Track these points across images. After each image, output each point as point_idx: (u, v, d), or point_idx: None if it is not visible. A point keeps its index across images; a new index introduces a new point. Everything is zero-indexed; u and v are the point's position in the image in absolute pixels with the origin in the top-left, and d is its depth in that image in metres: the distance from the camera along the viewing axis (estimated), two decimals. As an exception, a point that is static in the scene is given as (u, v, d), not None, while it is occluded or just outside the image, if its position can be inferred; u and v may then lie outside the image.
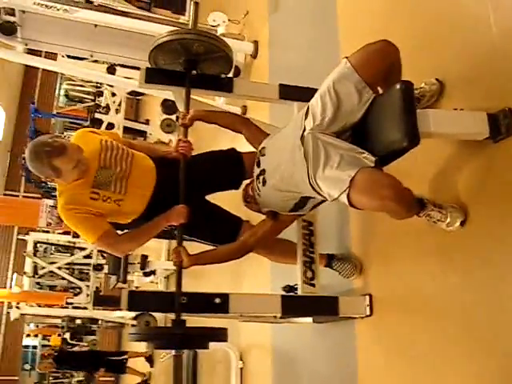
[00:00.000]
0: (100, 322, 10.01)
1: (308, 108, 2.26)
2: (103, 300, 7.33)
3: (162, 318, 7.52)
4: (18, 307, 8.57)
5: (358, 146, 2.08)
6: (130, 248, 2.65)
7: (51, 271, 9.20)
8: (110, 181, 2.44)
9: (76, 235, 7.96)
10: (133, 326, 7.81)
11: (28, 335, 13.99)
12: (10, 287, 8.93)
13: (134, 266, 7.68)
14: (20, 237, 9.94)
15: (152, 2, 9.01)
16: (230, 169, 2.74)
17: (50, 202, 6.19)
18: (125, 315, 7.97)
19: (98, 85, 10.23)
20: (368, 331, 2.76)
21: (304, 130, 2.21)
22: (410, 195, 2.03)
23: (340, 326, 2.98)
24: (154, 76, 2.76)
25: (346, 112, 2.14)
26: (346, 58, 2.14)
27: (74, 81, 11.97)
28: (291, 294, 2.86)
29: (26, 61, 4.95)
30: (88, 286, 8.55)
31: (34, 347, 15.08)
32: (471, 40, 2.26)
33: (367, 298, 2.72)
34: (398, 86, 1.98)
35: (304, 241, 2.73)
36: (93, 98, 10.66)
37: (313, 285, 2.69)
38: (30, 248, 8.89)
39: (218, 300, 2.42)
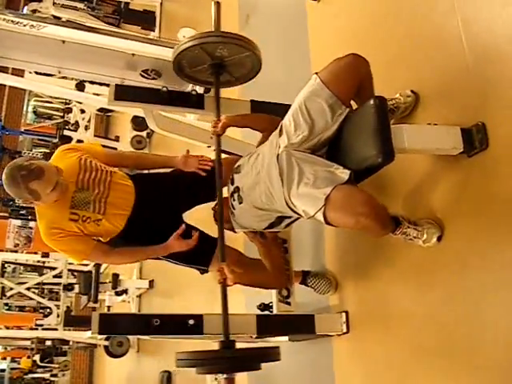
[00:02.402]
0: (71, 342, 9.79)
1: (282, 126, 2.24)
2: (74, 320, 7.17)
3: (135, 339, 7.37)
4: (-16, 330, 8.33)
5: (333, 162, 2.06)
6: (120, 263, 2.73)
7: (20, 292, 8.96)
8: (89, 201, 2.41)
9: (45, 255, 7.79)
10: (105, 346, 7.64)
11: (-4, 358, 13.61)
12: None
13: (106, 286, 7.53)
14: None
15: (121, 18, 8.99)
16: (204, 179, 2.62)
17: (18, 222, 5.99)
18: (97, 335, 7.79)
19: (67, 101, 10.08)
20: (345, 348, 2.72)
21: (279, 147, 2.19)
22: (385, 212, 2.01)
23: (317, 344, 2.94)
24: (124, 93, 2.71)
25: (319, 129, 2.12)
26: (316, 73, 2.13)
27: (41, 97, 11.78)
28: (266, 312, 2.81)
29: (-6, 78, 4.82)
30: (58, 307, 8.34)
31: (2, 370, 14.67)
32: (445, 56, 2.27)
33: (343, 315, 2.69)
34: (371, 102, 1.97)
35: (279, 258, 2.69)
36: (62, 114, 10.50)
37: (288, 303, 2.65)
38: (-3, 269, 8.67)
39: (191, 321, 2.35)
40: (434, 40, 2.33)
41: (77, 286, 8.01)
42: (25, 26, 4.08)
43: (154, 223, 2.54)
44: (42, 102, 12.15)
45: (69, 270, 8.72)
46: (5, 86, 12.19)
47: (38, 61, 4.58)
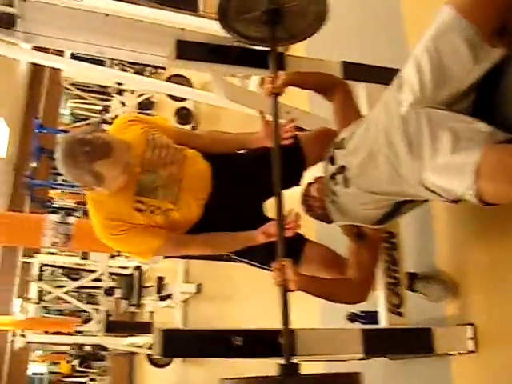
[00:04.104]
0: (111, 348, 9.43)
1: (401, 79, 1.69)
2: (116, 326, 6.76)
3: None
4: (22, 335, 7.94)
5: (483, 120, 1.50)
6: (201, 253, 2.16)
7: (58, 296, 8.61)
8: (157, 186, 1.91)
9: (85, 256, 7.38)
10: (148, 355, 7.18)
11: (35, 361, 13.39)
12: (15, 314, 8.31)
13: (148, 290, 7.09)
14: (25, 259, 9.34)
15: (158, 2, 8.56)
16: (286, 160, 2.00)
17: (56, 217, 5.44)
18: (139, 342, 7.33)
19: (105, 102, 9.78)
20: (472, 373, 2.12)
21: (401, 106, 1.64)
22: None
23: (425, 364, 2.34)
24: (189, 50, 2.22)
25: (455, 75, 1.56)
26: (446, 3, 1.56)
27: (80, 98, 11.47)
28: (370, 325, 2.25)
29: (32, 58, 4.38)
30: (98, 311, 7.93)
31: (42, 374, 14.44)
32: None
33: (469, 328, 2.10)
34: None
35: (386, 257, 2.12)
36: (99, 115, 10.16)
37: (400, 313, 2.08)
38: (35, 271, 8.30)
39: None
40: None
41: (118, 290, 7.61)
42: (63, -3, 3.63)
43: (233, 213, 2.04)
44: (79, 103, 11.86)
45: (110, 273, 8.35)
46: (42, 84, 11.97)
47: (78, 38, 4.11)
